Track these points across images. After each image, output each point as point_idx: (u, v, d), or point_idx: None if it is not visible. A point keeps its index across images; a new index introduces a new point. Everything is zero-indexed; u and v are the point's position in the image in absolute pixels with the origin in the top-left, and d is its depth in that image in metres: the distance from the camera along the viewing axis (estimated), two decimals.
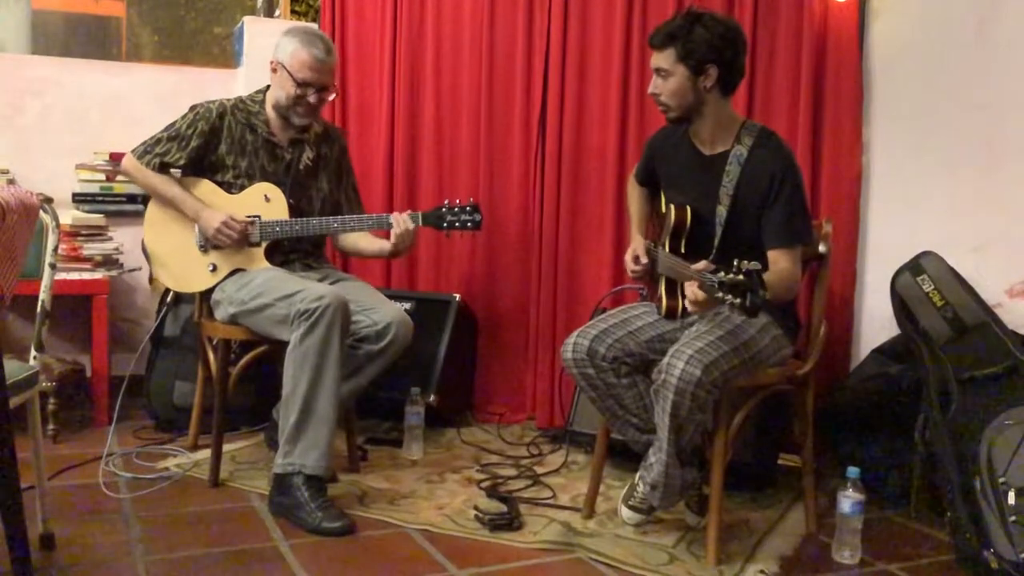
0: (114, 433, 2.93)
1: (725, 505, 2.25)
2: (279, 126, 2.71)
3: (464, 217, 2.69)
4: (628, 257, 2.40)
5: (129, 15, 3.70)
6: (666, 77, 2.22)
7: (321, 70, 2.61)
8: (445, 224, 2.69)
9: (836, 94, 2.97)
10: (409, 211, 2.69)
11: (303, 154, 2.75)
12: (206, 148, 2.67)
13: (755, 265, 1.82)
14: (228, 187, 2.68)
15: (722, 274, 1.85)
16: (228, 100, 2.73)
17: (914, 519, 2.54)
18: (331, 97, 2.76)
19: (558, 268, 3.37)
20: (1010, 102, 2.57)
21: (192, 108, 2.70)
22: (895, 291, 2.65)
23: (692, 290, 1.98)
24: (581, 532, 2.35)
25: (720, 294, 1.84)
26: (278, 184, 2.67)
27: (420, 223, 2.68)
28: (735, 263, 1.83)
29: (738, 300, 1.81)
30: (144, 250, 2.79)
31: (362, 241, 2.83)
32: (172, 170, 2.68)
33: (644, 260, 2.37)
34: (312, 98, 2.63)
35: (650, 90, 2.28)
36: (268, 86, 2.72)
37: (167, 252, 2.71)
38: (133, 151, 2.68)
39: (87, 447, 2.91)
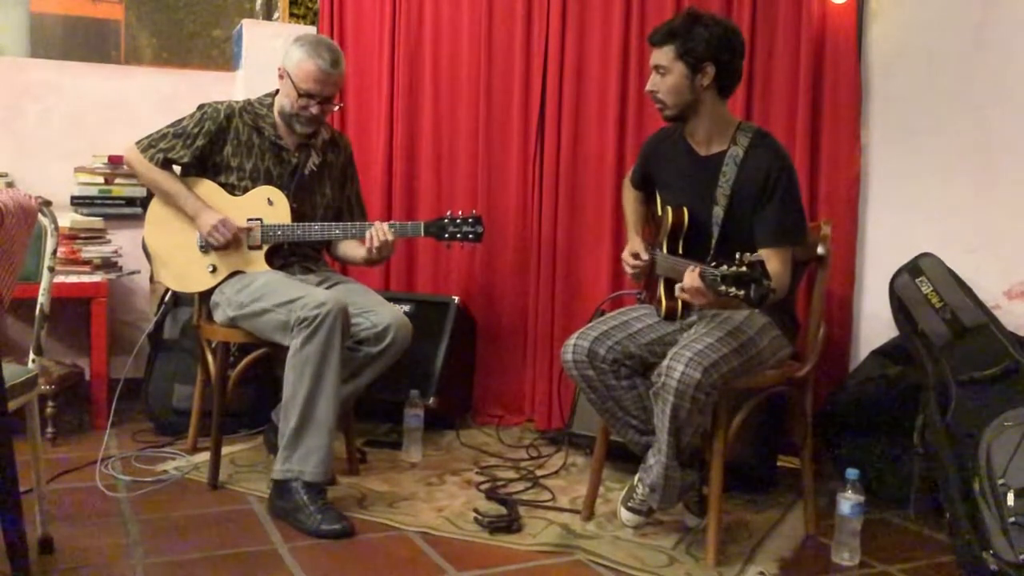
0: (113, 436, 2.94)
1: (724, 507, 2.25)
2: (286, 130, 2.71)
3: (466, 229, 2.70)
4: (626, 254, 2.40)
5: (128, 18, 3.70)
6: (664, 74, 2.23)
7: (325, 82, 2.60)
8: (447, 235, 2.70)
9: (834, 96, 2.97)
10: (380, 221, 2.69)
11: (309, 159, 2.75)
12: (211, 148, 2.67)
13: (758, 256, 1.82)
14: (232, 189, 2.68)
15: (724, 267, 1.85)
16: (237, 102, 2.73)
17: (913, 520, 2.54)
18: (335, 108, 2.75)
19: (556, 270, 3.38)
20: (1008, 103, 2.57)
21: (200, 107, 2.70)
22: (894, 292, 2.65)
23: (690, 276, 1.97)
24: (580, 534, 2.35)
25: (723, 287, 1.84)
26: (282, 188, 2.68)
27: (422, 233, 2.69)
28: (737, 255, 1.84)
29: (742, 292, 1.81)
30: (144, 248, 2.79)
31: (348, 248, 2.82)
32: (172, 167, 2.69)
33: (644, 256, 2.36)
34: (315, 109, 2.62)
35: (647, 87, 2.29)
36: (277, 90, 2.71)
37: (167, 251, 2.72)
38: (137, 143, 2.68)
39: (86, 450, 2.90)
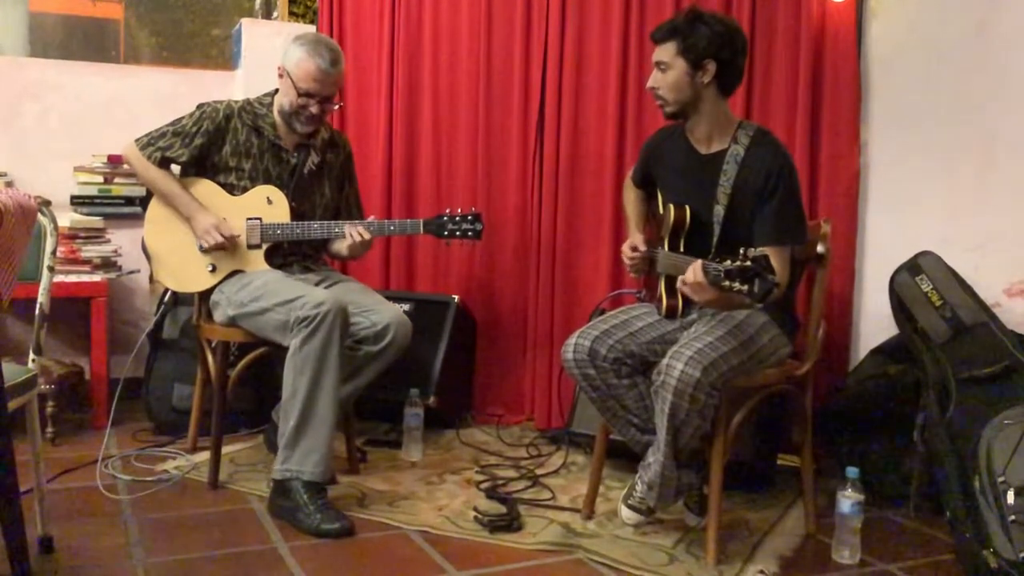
0: (113, 436, 2.94)
1: (724, 505, 2.25)
2: (285, 130, 2.71)
3: (465, 226, 2.70)
4: (625, 247, 2.40)
5: (127, 17, 3.70)
6: (665, 70, 2.24)
7: (325, 81, 2.59)
8: (446, 232, 2.70)
9: (834, 94, 2.97)
10: (357, 221, 2.70)
11: (308, 159, 2.74)
12: (209, 148, 2.67)
13: (762, 251, 1.82)
14: (231, 189, 2.68)
15: (728, 262, 1.84)
16: (236, 102, 2.73)
17: (913, 519, 2.54)
18: (335, 107, 2.75)
19: (556, 270, 3.37)
20: (1008, 102, 2.57)
21: (199, 107, 2.70)
22: (893, 291, 2.65)
23: (692, 270, 1.96)
24: (581, 533, 2.35)
25: (727, 282, 1.84)
26: (281, 188, 2.68)
27: (421, 231, 2.69)
28: (741, 251, 1.84)
29: (745, 287, 1.81)
30: (144, 249, 2.79)
31: (336, 244, 2.80)
32: (171, 166, 2.69)
33: (642, 248, 2.36)
34: (314, 108, 2.62)
35: (648, 84, 2.29)
36: (277, 89, 2.71)
37: (167, 251, 2.71)
38: (136, 140, 2.69)
39: (86, 450, 2.90)
